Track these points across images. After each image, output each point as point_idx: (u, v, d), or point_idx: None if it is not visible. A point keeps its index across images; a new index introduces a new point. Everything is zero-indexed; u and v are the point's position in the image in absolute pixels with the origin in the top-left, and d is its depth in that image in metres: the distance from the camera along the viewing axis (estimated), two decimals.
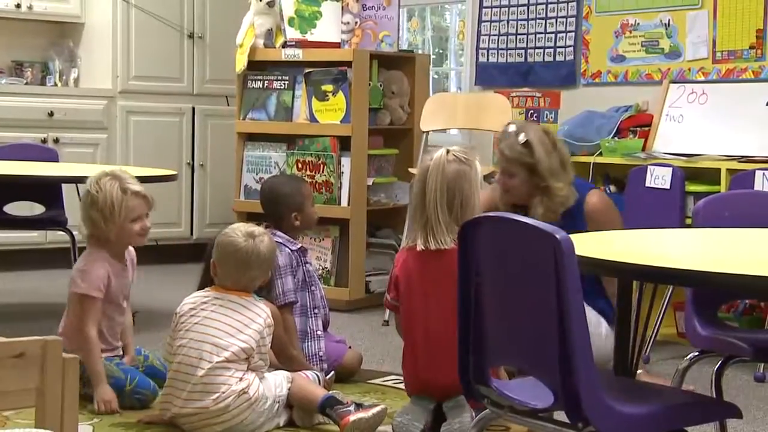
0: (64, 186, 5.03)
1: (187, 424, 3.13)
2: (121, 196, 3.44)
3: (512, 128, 3.64)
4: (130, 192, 3.46)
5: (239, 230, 3.25)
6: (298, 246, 3.75)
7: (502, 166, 3.62)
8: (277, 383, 3.19)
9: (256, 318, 3.15)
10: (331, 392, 3.29)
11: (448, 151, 3.20)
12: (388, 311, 4.51)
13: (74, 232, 4.89)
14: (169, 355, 3.20)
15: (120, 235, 3.47)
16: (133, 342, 3.63)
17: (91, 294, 3.41)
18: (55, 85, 6.32)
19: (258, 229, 3.30)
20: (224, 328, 3.12)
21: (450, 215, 3.15)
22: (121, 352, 3.57)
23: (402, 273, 3.25)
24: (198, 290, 3.37)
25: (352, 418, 3.11)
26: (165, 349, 3.26)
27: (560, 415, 2.09)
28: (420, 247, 3.18)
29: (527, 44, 5.85)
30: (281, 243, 3.71)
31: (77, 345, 3.32)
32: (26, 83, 6.24)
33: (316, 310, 3.77)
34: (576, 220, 3.55)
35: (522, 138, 3.57)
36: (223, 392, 3.06)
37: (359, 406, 3.18)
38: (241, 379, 3.09)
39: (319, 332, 3.75)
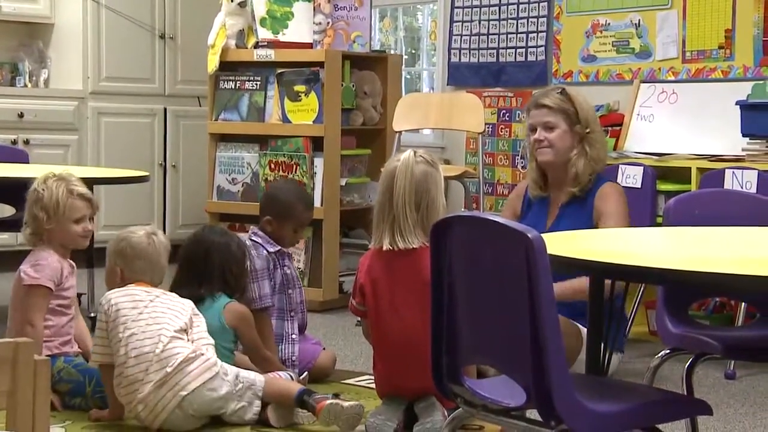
0: None
1: (152, 408, 3.12)
2: (66, 196, 3.51)
3: (545, 88, 3.75)
4: (75, 193, 3.53)
5: (138, 231, 3.41)
6: (277, 248, 3.74)
7: (543, 121, 3.66)
8: (246, 374, 3.22)
9: (185, 302, 3.28)
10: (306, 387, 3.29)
11: (415, 153, 3.21)
12: None
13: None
14: (104, 355, 3.20)
15: (62, 234, 3.51)
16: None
17: (44, 284, 3.42)
18: (25, 86, 6.28)
19: (153, 228, 3.46)
20: (168, 312, 3.20)
21: (417, 215, 3.16)
22: (78, 349, 3.57)
23: (367, 277, 3.25)
24: (171, 290, 3.38)
25: (327, 402, 3.12)
26: (96, 351, 3.24)
27: (533, 414, 2.09)
28: (386, 247, 3.18)
29: (499, 44, 5.86)
30: (260, 244, 3.71)
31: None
32: None
33: (292, 314, 3.77)
34: (587, 208, 3.60)
35: (558, 90, 3.67)
36: (179, 353, 3.13)
37: (337, 397, 3.20)
38: (192, 341, 3.19)
39: (294, 336, 3.75)
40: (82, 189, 3.55)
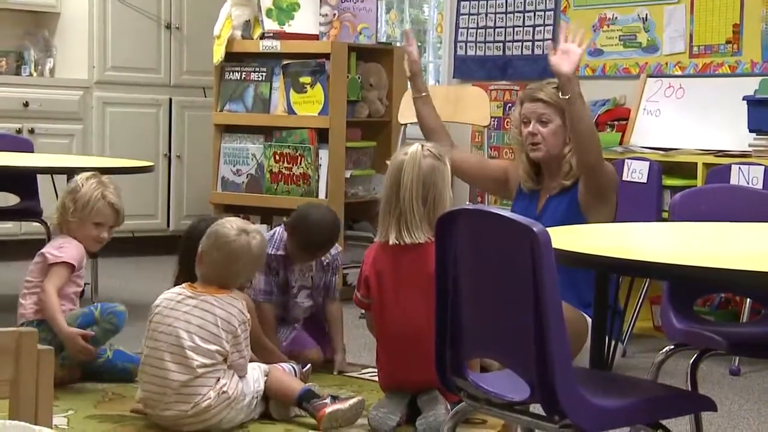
0: (39, 177, 5.01)
1: (165, 423, 3.11)
2: (98, 199, 3.64)
3: (539, 82, 3.66)
4: (107, 200, 3.67)
5: (233, 223, 3.21)
6: (281, 252, 3.75)
7: (537, 114, 3.57)
8: (254, 378, 3.18)
9: (229, 318, 3.07)
10: (308, 385, 3.28)
11: (422, 146, 3.20)
12: None
13: (49, 224, 4.87)
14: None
15: (79, 231, 3.63)
16: None
17: (70, 262, 3.54)
18: (31, 75, 6.27)
19: (251, 226, 3.26)
20: (196, 331, 3.05)
21: (424, 210, 3.15)
22: None
23: (372, 270, 3.24)
24: (174, 283, 3.36)
25: (328, 410, 3.11)
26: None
27: (537, 408, 2.09)
28: (392, 241, 3.17)
29: (505, 37, 5.86)
30: (272, 241, 3.73)
31: (38, 306, 3.50)
32: (1, 73, 6.20)
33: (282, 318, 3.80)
34: (572, 194, 3.54)
35: (554, 84, 3.56)
36: (203, 395, 3.04)
37: (335, 399, 3.18)
38: (218, 379, 3.06)
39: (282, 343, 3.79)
40: (115, 199, 3.69)
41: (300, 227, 3.77)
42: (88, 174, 3.72)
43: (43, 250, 3.60)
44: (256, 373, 3.19)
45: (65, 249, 3.57)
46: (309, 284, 3.88)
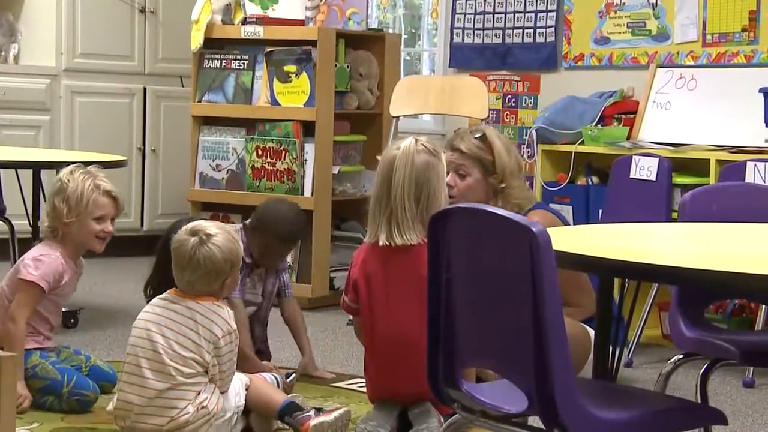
0: (2, 171, 4.99)
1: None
2: (92, 191, 3.53)
3: (464, 128, 3.67)
4: (102, 189, 3.55)
5: (186, 228, 3.13)
6: (249, 261, 3.74)
7: (455, 165, 3.60)
8: (235, 391, 3.17)
9: (211, 326, 3.05)
10: (291, 397, 3.28)
11: (416, 141, 3.20)
12: None
13: (13, 222, 4.87)
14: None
15: (80, 232, 3.52)
16: None
17: (39, 283, 3.44)
18: None
19: (206, 225, 3.14)
20: (175, 337, 3.04)
21: (417, 209, 3.16)
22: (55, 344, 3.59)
23: (361, 273, 3.24)
24: (145, 289, 3.36)
25: (312, 422, 3.11)
26: None
27: (535, 421, 2.10)
28: (383, 242, 3.18)
29: (505, 24, 5.86)
30: None
31: (2, 333, 3.37)
32: None
33: None
34: None
35: (478, 133, 3.59)
36: (180, 409, 3.04)
37: (320, 411, 3.18)
38: (198, 393, 3.06)
39: None
40: (110, 186, 3.57)
41: (268, 221, 3.79)
42: (69, 168, 3.59)
43: (23, 258, 3.51)
44: (237, 386, 3.19)
45: (41, 264, 3.46)
46: (258, 300, 3.87)
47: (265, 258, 3.83)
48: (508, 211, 3.48)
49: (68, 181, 3.52)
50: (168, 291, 3.16)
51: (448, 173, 3.59)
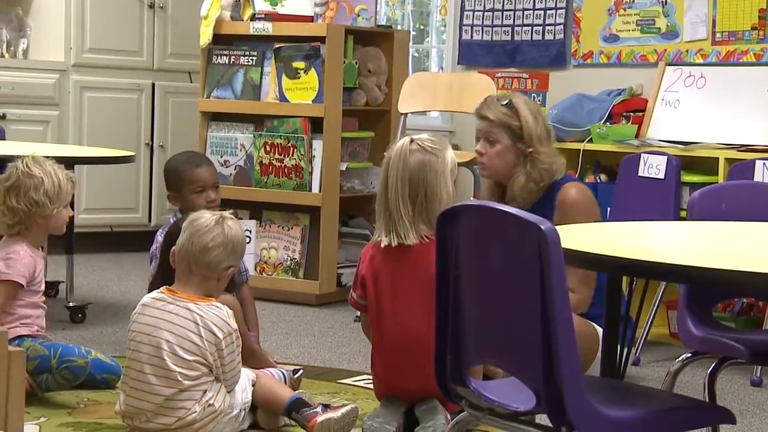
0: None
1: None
2: (67, 179, 3.56)
3: (492, 96, 3.69)
4: (68, 176, 3.58)
5: (206, 214, 3.18)
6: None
7: (484, 132, 3.62)
8: (242, 388, 3.18)
9: (212, 328, 3.05)
10: (298, 393, 3.29)
11: (412, 140, 3.19)
12: None
13: None
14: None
15: (57, 220, 3.55)
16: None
17: (15, 280, 3.44)
18: (3, 56, 6.27)
19: (225, 213, 3.21)
20: (178, 341, 3.03)
21: (414, 209, 3.15)
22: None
23: (369, 270, 3.24)
24: (150, 286, 3.34)
25: (319, 419, 3.11)
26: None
27: (543, 419, 2.10)
28: (384, 243, 3.18)
29: (514, 21, 5.86)
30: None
31: None
32: None
33: None
34: (546, 212, 3.50)
35: (505, 100, 3.61)
36: (187, 409, 3.04)
37: (327, 407, 3.19)
38: (204, 392, 3.06)
39: None
40: (69, 171, 3.60)
41: (170, 176, 3.90)
42: (26, 162, 3.55)
43: None
44: (244, 382, 3.19)
45: (13, 263, 3.45)
46: None
47: (205, 193, 3.85)
48: (536, 172, 3.58)
49: (40, 174, 3.51)
50: (160, 289, 3.14)
51: (478, 141, 3.64)
